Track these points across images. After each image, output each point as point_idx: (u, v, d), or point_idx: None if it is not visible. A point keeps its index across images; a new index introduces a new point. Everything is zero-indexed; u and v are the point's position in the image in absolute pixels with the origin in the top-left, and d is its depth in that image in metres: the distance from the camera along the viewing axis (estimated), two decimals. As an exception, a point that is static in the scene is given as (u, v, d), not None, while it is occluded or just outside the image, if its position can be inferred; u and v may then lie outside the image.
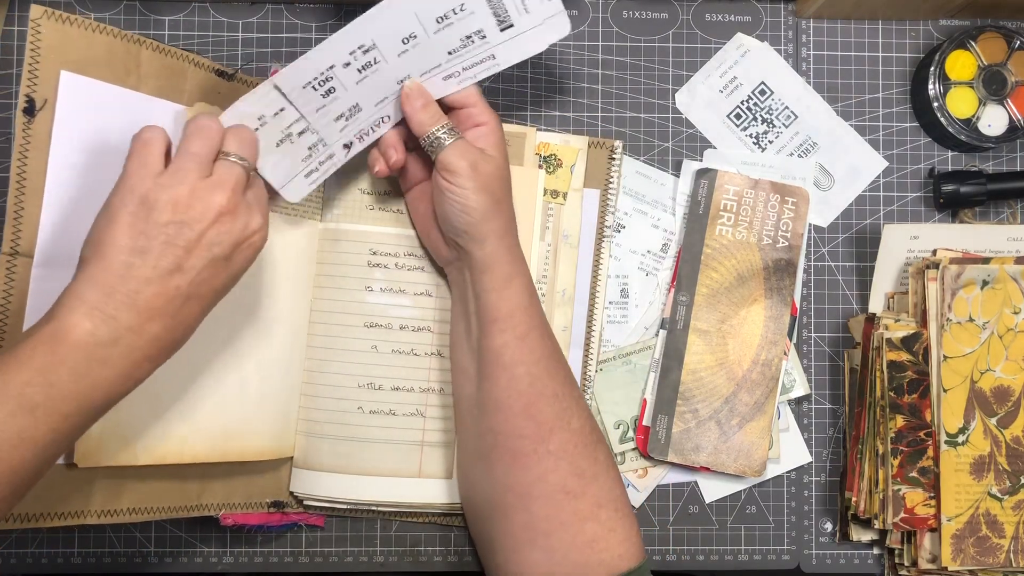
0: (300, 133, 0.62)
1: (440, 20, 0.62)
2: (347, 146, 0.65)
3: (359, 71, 0.62)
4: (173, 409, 0.63)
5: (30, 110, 0.58)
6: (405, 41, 0.62)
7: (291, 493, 0.71)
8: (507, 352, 0.63)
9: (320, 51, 0.60)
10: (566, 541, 0.61)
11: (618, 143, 0.74)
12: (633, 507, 0.65)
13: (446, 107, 0.65)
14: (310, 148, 0.63)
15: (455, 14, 0.62)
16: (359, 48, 0.61)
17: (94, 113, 0.60)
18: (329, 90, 0.61)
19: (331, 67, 0.60)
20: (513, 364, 0.63)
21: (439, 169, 0.63)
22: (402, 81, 0.64)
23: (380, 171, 0.66)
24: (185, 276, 0.52)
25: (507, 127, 0.72)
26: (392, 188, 0.71)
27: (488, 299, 0.63)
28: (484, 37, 0.63)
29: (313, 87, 0.61)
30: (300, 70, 0.60)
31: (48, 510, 0.60)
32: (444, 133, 0.63)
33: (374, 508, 0.71)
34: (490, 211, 0.63)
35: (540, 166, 0.73)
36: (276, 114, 0.60)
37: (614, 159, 0.74)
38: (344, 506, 0.70)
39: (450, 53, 0.63)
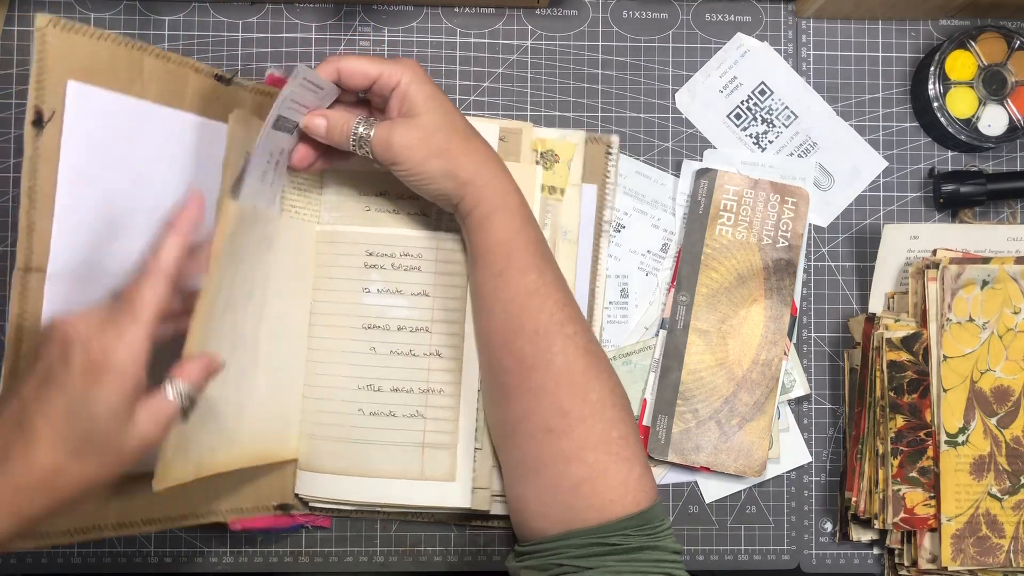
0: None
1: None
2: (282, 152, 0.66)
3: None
4: (191, 426, 0.61)
5: (39, 122, 0.56)
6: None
7: (296, 495, 0.71)
8: (486, 289, 0.63)
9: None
10: (552, 481, 0.61)
11: (615, 138, 0.74)
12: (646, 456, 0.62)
13: (362, 90, 0.63)
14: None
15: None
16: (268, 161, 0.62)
17: (102, 123, 0.59)
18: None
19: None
20: (492, 301, 0.63)
21: (383, 165, 0.62)
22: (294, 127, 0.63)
23: (301, 163, 0.66)
24: (19, 401, 0.48)
25: (503, 123, 0.72)
26: (388, 188, 0.71)
27: (470, 239, 0.64)
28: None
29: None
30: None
31: (66, 527, 0.59)
32: (363, 131, 0.61)
33: (379, 509, 0.71)
34: (447, 167, 0.61)
35: (537, 162, 0.73)
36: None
37: (611, 154, 0.74)
38: (349, 507, 0.71)
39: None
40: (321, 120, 0.62)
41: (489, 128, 0.72)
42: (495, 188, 0.62)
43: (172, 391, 0.52)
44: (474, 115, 0.75)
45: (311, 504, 0.70)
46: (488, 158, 0.63)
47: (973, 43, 0.75)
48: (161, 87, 0.62)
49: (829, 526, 0.76)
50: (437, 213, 0.70)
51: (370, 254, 0.70)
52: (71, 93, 0.57)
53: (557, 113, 0.76)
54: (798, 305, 0.75)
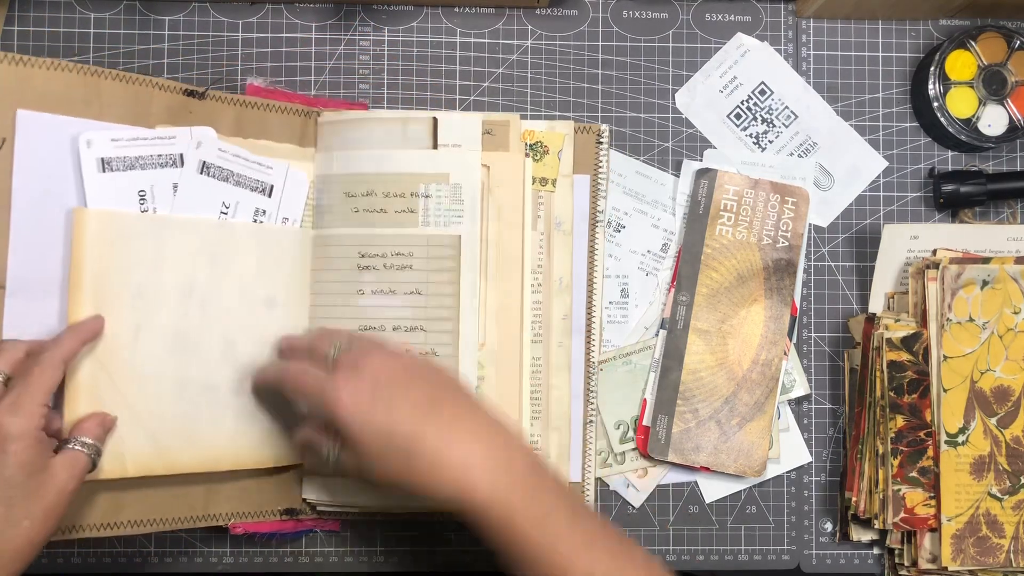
0: None
1: None
2: None
3: None
4: (164, 422, 0.64)
5: None
6: None
7: (304, 500, 0.71)
8: None
9: None
10: None
11: (604, 127, 0.74)
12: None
13: None
14: None
15: None
16: None
17: (55, 144, 0.62)
18: None
19: None
20: None
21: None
22: None
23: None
24: None
25: (488, 116, 0.72)
26: (375, 188, 0.70)
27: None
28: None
29: None
30: None
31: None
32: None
33: (386, 511, 0.71)
34: (428, 481, 0.55)
35: (527, 154, 0.72)
36: None
37: (601, 143, 0.74)
38: (357, 510, 0.71)
39: None
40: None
41: (472, 121, 0.72)
42: (500, 485, 0.55)
43: (75, 444, 0.58)
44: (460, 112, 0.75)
45: (319, 508, 0.71)
46: (474, 437, 0.56)
47: (973, 43, 0.75)
48: (122, 108, 0.64)
49: (829, 526, 0.76)
50: (425, 209, 0.70)
51: (363, 255, 0.70)
52: (21, 121, 0.61)
53: (557, 113, 0.76)
54: (798, 305, 0.75)
